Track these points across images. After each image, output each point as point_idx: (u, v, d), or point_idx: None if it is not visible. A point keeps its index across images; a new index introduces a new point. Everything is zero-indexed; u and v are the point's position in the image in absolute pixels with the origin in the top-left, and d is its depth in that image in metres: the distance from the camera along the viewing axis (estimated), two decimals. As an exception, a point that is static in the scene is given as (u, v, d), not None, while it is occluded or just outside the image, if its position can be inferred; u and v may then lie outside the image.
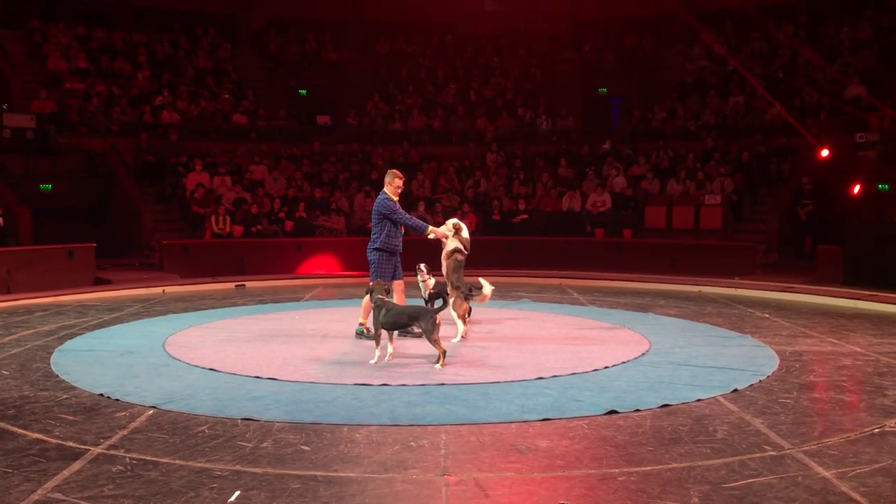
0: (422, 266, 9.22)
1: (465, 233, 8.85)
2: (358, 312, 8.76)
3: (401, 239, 8.56)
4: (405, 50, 24.50)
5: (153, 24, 22.95)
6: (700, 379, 6.82)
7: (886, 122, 16.50)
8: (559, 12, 24.75)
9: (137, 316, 10.65)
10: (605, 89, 23.52)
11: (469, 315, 9.61)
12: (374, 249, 8.40)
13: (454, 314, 8.52)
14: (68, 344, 8.51)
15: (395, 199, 8.49)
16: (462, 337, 8.51)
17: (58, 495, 4.22)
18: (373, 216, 8.54)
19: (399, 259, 8.59)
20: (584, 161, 19.65)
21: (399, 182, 8.55)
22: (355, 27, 25.19)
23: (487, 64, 23.94)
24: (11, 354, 7.96)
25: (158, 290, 13.47)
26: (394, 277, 8.43)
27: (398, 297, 8.15)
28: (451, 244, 8.77)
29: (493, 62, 23.89)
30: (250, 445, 5.02)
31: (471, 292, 8.59)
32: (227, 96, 21.22)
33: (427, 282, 9.18)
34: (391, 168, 9.00)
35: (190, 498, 4.18)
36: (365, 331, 8.56)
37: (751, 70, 19.63)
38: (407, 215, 8.52)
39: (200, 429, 5.38)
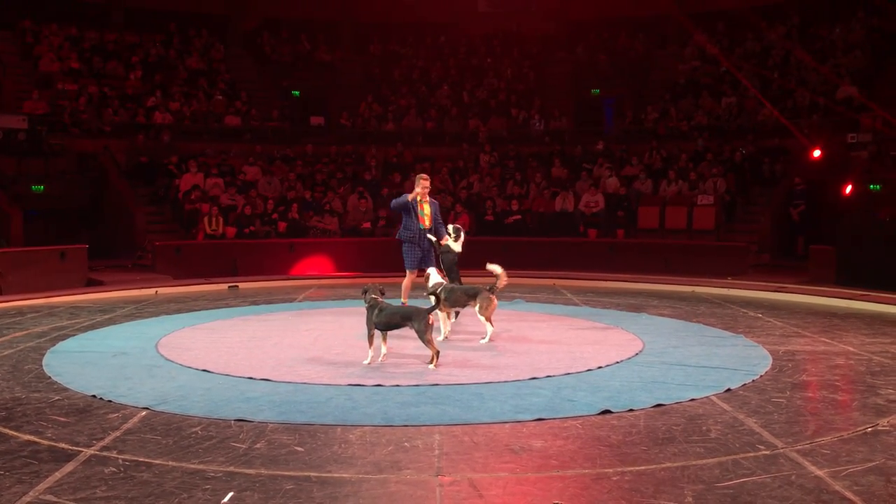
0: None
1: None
2: (351, 314, 8.82)
3: (416, 229, 9.42)
4: (398, 51, 24.50)
5: (145, 24, 22.88)
6: (693, 379, 6.84)
7: (878, 123, 16.56)
8: (552, 13, 24.78)
9: (130, 317, 10.62)
10: (598, 90, 23.55)
11: (456, 317, 9.57)
12: (398, 240, 9.68)
13: (482, 318, 8.50)
14: (60, 345, 8.47)
15: (415, 197, 9.44)
16: (490, 339, 8.47)
17: (50, 497, 4.20)
18: None
19: (424, 249, 9.43)
20: (577, 162, 19.67)
21: (425, 184, 9.53)
22: (348, 28, 25.16)
23: (480, 65, 23.96)
24: (3, 356, 7.92)
25: (151, 291, 13.43)
26: (420, 265, 9.38)
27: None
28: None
29: (487, 63, 23.91)
30: (244, 446, 5.01)
31: (493, 289, 8.59)
32: (219, 97, 21.18)
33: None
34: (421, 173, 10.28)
35: (183, 499, 4.17)
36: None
37: (743, 71, 19.68)
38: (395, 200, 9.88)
39: (193, 430, 5.37)
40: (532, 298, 12.56)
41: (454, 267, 9.59)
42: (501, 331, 9.07)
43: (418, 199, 9.48)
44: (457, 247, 9.58)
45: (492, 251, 16.09)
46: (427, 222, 9.50)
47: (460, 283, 9.39)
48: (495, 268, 8.76)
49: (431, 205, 9.60)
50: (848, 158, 16.62)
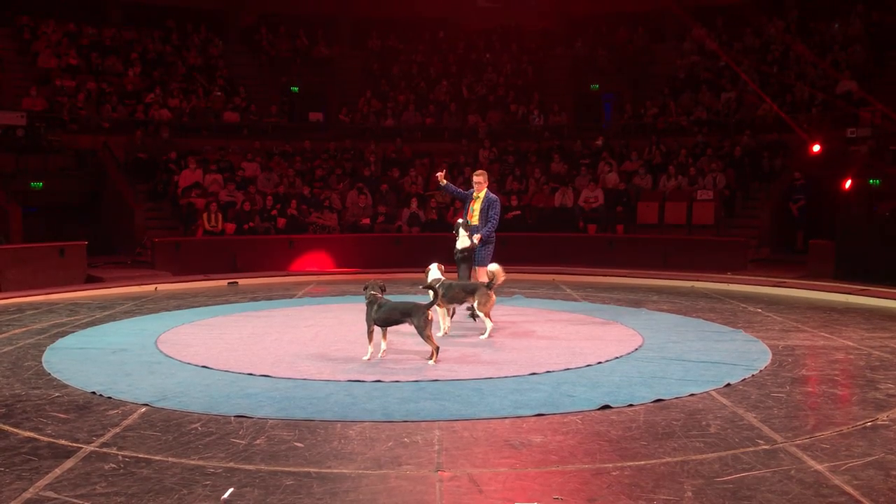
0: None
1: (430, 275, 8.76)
2: (350, 310, 8.80)
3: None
4: (397, 46, 24.46)
5: (144, 20, 22.84)
6: (693, 374, 6.84)
7: (877, 117, 16.54)
8: (551, 8, 24.74)
9: (129, 314, 10.61)
10: (597, 85, 23.52)
11: (452, 315, 9.47)
12: None
13: (481, 314, 8.52)
14: (60, 342, 8.47)
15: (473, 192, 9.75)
16: (490, 335, 8.45)
17: (50, 493, 4.20)
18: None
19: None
20: (576, 157, 19.66)
21: (476, 179, 9.71)
22: (346, 23, 25.13)
23: (479, 60, 23.92)
24: (3, 353, 7.92)
25: (150, 287, 13.42)
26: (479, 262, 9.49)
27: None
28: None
29: (485, 58, 23.86)
30: (243, 442, 5.01)
31: (490, 285, 8.57)
32: (218, 93, 21.15)
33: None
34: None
35: (183, 495, 4.17)
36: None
37: (742, 65, 19.67)
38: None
39: (193, 426, 5.37)
40: (531, 294, 12.56)
41: (461, 264, 9.54)
42: (501, 326, 9.08)
43: (474, 194, 9.66)
44: (460, 243, 9.53)
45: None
46: (474, 218, 9.56)
47: (469, 280, 9.32)
48: (491, 267, 8.74)
49: (483, 201, 9.56)
50: (847, 153, 16.60)
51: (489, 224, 9.46)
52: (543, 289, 13.38)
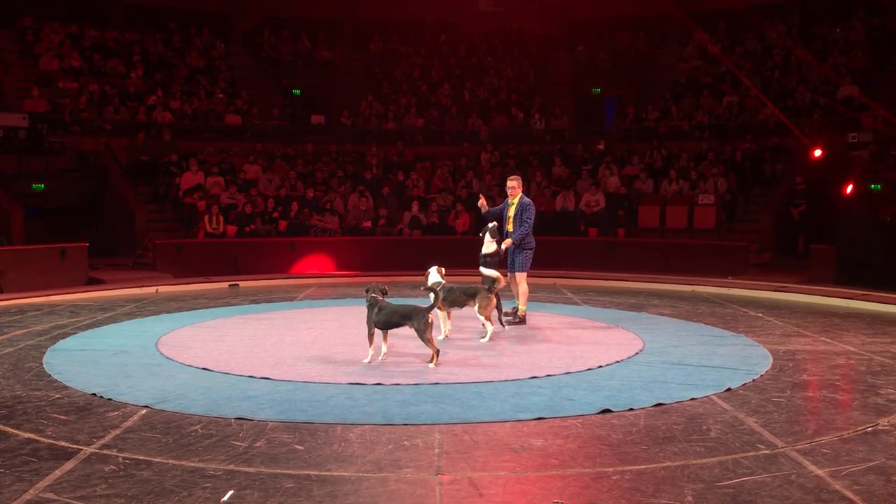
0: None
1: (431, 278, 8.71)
2: (351, 312, 8.78)
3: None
4: (399, 49, 24.49)
5: (146, 22, 22.87)
6: (694, 378, 6.83)
7: (879, 122, 16.56)
8: (553, 12, 24.75)
9: (130, 315, 10.62)
10: (599, 89, 23.54)
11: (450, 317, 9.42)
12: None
13: (482, 317, 8.49)
14: (61, 344, 8.47)
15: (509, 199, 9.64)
16: (491, 338, 8.44)
17: (50, 495, 4.20)
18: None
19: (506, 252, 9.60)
20: (577, 161, 19.67)
21: (510, 184, 9.62)
22: (348, 26, 25.16)
23: (481, 64, 23.95)
24: (4, 354, 7.92)
25: (152, 289, 13.43)
26: (509, 268, 9.57)
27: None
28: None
29: (487, 62, 23.90)
30: (244, 445, 5.01)
31: (491, 289, 8.56)
32: (220, 96, 21.17)
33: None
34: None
35: (183, 497, 4.17)
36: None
37: (744, 70, 19.67)
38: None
39: (194, 428, 5.37)
40: (532, 298, 12.48)
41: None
42: (501, 330, 9.07)
43: (509, 201, 9.57)
44: (485, 248, 9.49)
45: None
46: (509, 225, 9.52)
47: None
48: (491, 272, 8.75)
49: (517, 206, 9.47)
50: (849, 158, 16.60)
51: (522, 227, 9.33)
52: (544, 292, 13.36)
